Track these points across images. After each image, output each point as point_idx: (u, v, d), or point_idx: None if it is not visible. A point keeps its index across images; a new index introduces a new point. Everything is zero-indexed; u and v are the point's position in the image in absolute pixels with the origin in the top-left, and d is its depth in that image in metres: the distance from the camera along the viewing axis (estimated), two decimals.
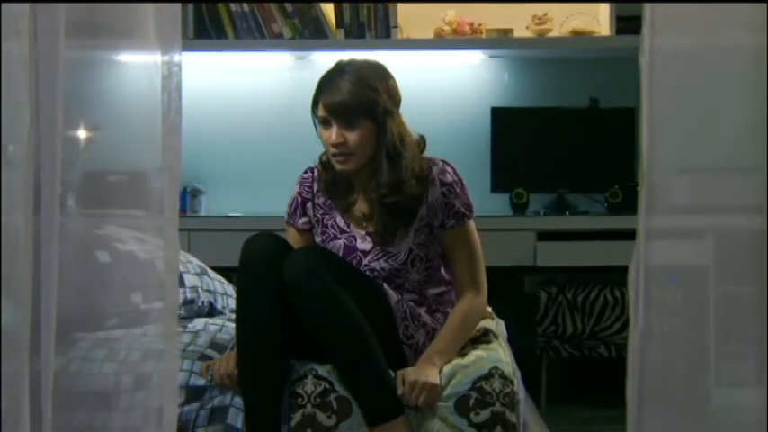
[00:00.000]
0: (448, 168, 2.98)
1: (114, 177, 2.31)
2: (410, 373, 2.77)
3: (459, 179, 3.00)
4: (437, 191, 2.93)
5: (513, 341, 5.00)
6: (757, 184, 2.01)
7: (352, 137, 2.87)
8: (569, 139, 5.18)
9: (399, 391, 2.73)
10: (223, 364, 2.81)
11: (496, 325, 3.27)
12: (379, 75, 2.96)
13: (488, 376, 2.75)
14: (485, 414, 2.71)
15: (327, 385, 2.77)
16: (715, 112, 2.15)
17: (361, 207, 3.01)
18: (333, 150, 2.90)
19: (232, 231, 4.83)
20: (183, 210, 5.15)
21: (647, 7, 2.04)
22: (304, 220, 3.06)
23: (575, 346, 4.85)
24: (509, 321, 5.10)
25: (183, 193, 5.16)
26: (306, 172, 3.10)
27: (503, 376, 2.75)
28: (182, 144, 2.04)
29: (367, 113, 2.87)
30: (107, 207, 2.41)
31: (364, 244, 2.97)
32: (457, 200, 2.96)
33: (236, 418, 2.75)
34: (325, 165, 3.03)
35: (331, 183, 3.02)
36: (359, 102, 2.86)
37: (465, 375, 2.76)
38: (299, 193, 3.07)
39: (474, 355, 2.87)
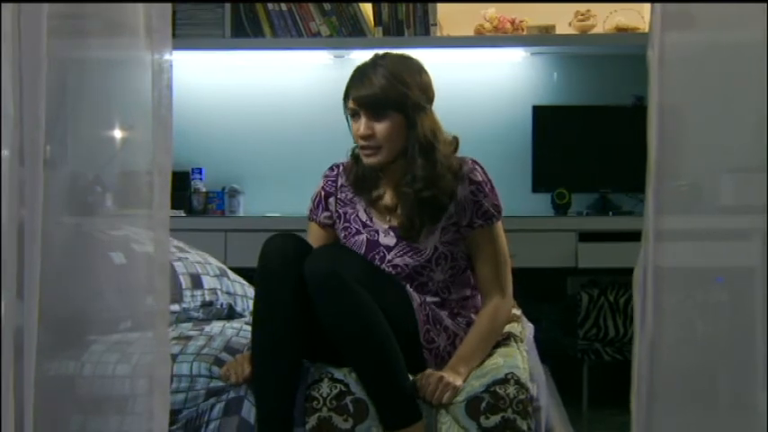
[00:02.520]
0: (477, 167, 2.93)
1: (125, 177, 2.29)
2: (435, 372, 2.72)
3: (489, 179, 2.95)
4: (466, 189, 2.89)
5: (553, 344, 4.98)
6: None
7: (381, 129, 2.84)
8: (612, 137, 5.08)
9: (420, 386, 2.69)
10: (239, 368, 2.77)
11: (522, 329, 3.19)
12: (413, 69, 2.93)
13: (503, 381, 2.67)
14: (495, 419, 2.64)
15: (343, 388, 2.72)
16: (731, 108, 2.07)
17: (386, 201, 2.97)
18: (361, 143, 2.88)
19: (270, 232, 4.79)
20: (220, 210, 5.16)
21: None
22: (326, 214, 3.03)
23: (616, 349, 4.75)
24: (550, 323, 5.06)
25: (221, 193, 5.16)
26: (331, 168, 3.07)
27: (518, 383, 2.67)
28: (173, 143, 1.99)
29: (396, 106, 2.84)
30: (122, 207, 2.39)
31: (387, 239, 2.92)
32: (486, 199, 2.90)
33: (250, 412, 2.72)
34: (356, 158, 2.99)
35: (360, 177, 2.98)
36: (389, 94, 2.83)
37: (481, 383, 2.70)
38: (323, 188, 3.05)
39: (491, 363, 2.80)
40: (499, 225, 2.96)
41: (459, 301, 2.95)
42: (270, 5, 5.01)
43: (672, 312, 2.03)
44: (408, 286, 2.86)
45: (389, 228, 2.93)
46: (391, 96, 2.83)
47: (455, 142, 2.98)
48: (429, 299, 2.89)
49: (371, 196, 2.98)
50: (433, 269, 2.89)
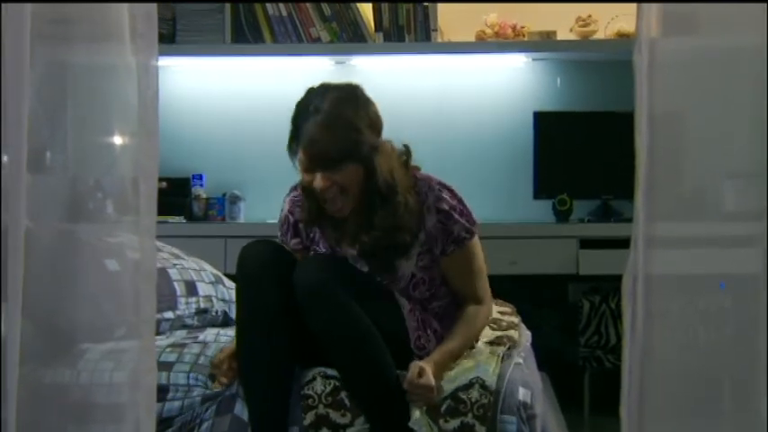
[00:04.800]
0: (444, 194, 2.81)
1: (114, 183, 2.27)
2: (430, 375, 2.65)
3: (457, 202, 2.82)
4: (434, 218, 2.79)
5: (554, 351, 4.94)
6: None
7: (339, 178, 2.71)
8: (614, 144, 5.01)
9: (408, 381, 2.64)
10: (223, 371, 2.77)
11: (519, 336, 3.16)
12: (357, 106, 2.76)
13: (468, 386, 2.68)
14: (454, 423, 2.64)
15: (337, 383, 2.72)
16: (729, 113, 2.04)
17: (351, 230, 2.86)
18: (322, 196, 2.74)
19: (271, 239, 4.78)
20: (221, 216, 5.14)
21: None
22: (296, 240, 2.95)
23: (618, 356, 4.69)
24: (551, 330, 5.03)
25: (222, 199, 5.15)
26: (295, 188, 2.95)
27: (483, 386, 2.66)
28: (159, 151, 1.98)
29: (352, 157, 2.70)
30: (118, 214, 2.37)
31: (359, 264, 2.85)
32: (456, 226, 2.80)
33: (243, 410, 2.73)
34: (307, 192, 2.82)
35: (315, 212, 2.84)
36: (341, 148, 2.68)
37: (448, 388, 2.70)
38: (290, 213, 2.95)
39: (462, 366, 2.79)
40: (473, 242, 2.86)
41: (443, 307, 2.91)
42: (270, 10, 5.00)
43: (666, 319, 2.01)
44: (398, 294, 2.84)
45: (358, 254, 2.85)
46: (344, 149, 2.69)
47: (407, 153, 2.86)
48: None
49: (335, 235, 2.88)
50: (411, 293, 2.84)
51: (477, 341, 2.95)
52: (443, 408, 2.65)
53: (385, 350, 2.69)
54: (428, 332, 2.82)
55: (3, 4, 1.79)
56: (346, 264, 2.86)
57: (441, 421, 2.64)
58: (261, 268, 2.72)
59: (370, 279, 2.85)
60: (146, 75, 1.94)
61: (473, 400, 2.64)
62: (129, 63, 1.93)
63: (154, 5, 1.93)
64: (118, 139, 2.05)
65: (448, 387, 2.69)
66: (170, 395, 2.76)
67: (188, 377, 2.78)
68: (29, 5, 1.80)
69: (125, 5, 1.91)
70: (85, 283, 2.41)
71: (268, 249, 2.78)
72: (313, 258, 2.80)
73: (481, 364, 2.77)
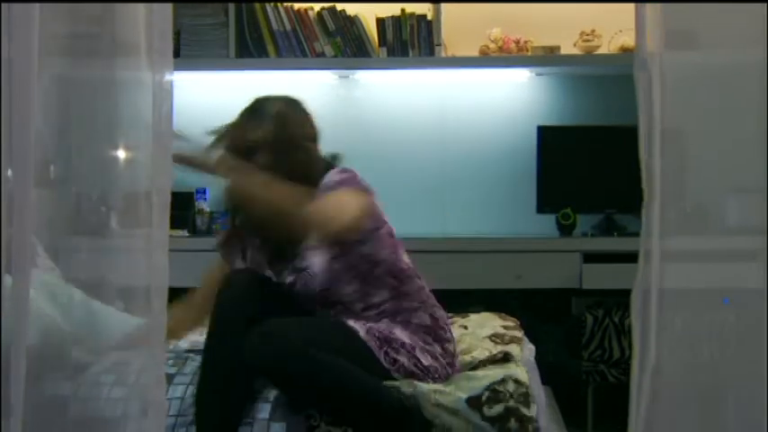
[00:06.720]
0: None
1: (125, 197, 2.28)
2: None
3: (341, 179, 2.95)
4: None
5: (558, 365, 4.95)
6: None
7: None
8: (618, 158, 5.03)
9: None
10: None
11: (522, 350, 3.17)
12: None
13: (502, 381, 2.69)
14: (498, 408, 2.64)
15: None
16: (733, 128, 2.06)
17: None
18: None
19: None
20: (224, 230, 5.14)
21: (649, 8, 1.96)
22: None
23: (621, 371, 4.71)
24: (555, 345, 5.03)
25: (225, 214, 5.14)
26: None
27: (517, 381, 2.67)
28: (172, 165, 1.99)
29: None
30: (122, 227, 2.38)
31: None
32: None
33: None
34: None
35: None
36: None
37: (480, 384, 2.70)
38: None
39: (487, 372, 2.81)
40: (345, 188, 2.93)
41: (390, 303, 2.93)
42: (274, 25, 5.01)
43: (673, 333, 2.02)
44: (349, 321, 2.85)
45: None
46: None
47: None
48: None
49: None
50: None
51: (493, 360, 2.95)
52: (483, 398, 2.64)
53: (364, 382, 2.71)
54: (394, 345, 2.82)
55: (11, 20, 1.79)
56: (292, 319, 2.85)
57: (484, 408, 2.63)
58: (234, 303, 2.84)
59: (321, 321, 2.89)
60: (160, 90, 1.96)
61: (510, 390, 2.65)
62: (145, 78, 1.95)
63: (169, 22, 1.94)
64: (131, 153, 2.06)
65: (481, 383, 2.70)
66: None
67: (186, 390, 2.78)
68: (36, 21, 1.80)
69: (141, 22, 1.92)
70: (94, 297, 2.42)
71: (245, 282, 2.94)
72: (258, 326, 2.74)
73: (507, 369, 2.80)
